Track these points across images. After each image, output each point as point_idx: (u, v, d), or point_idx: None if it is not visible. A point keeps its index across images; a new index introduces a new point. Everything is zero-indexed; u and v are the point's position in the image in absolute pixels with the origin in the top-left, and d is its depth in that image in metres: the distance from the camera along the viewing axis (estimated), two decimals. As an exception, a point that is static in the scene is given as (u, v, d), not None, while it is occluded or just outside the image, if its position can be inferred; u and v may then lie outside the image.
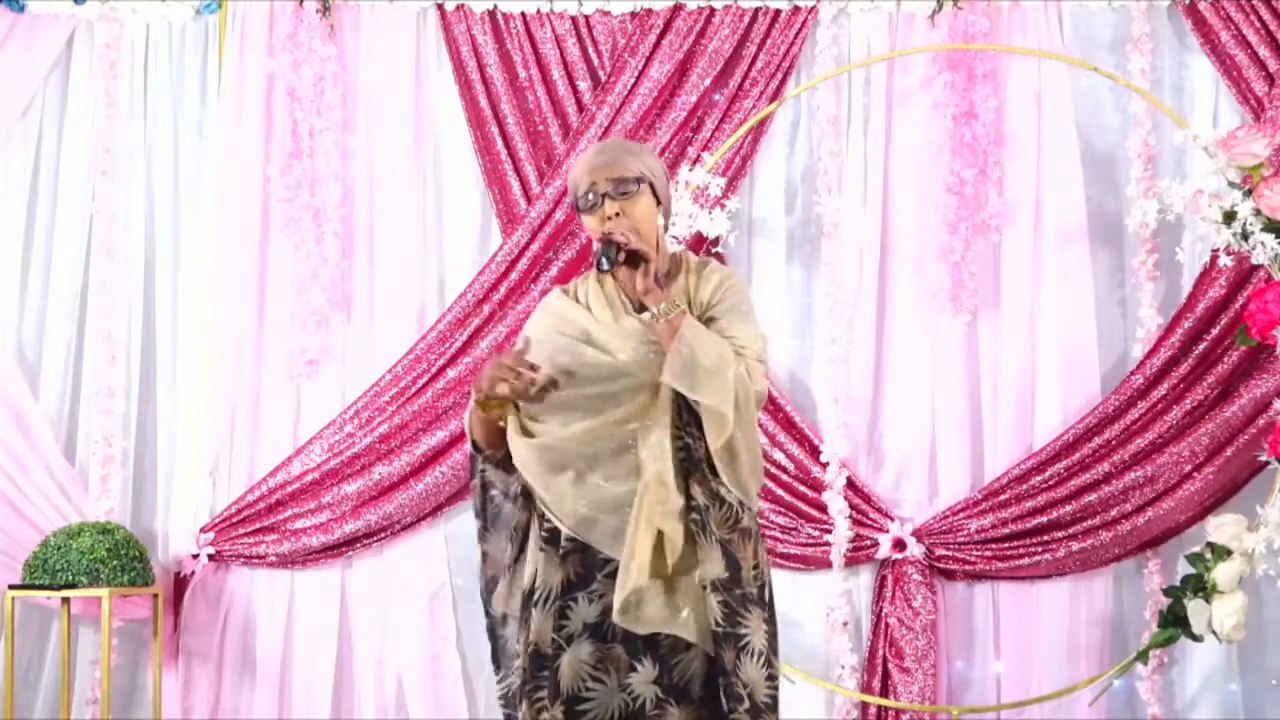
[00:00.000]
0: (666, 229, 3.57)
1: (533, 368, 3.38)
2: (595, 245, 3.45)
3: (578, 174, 3.50)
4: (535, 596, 3.42)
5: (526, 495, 3.47)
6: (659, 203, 3.51)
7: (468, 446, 3.59)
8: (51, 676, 5.68)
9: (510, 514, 3.52)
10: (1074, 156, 5.56)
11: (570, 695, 3.36)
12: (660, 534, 3.32)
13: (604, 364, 3.42)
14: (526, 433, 3.44)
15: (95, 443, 5.72)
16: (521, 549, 3.50)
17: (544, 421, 3.43)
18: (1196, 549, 5.11)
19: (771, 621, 3.42)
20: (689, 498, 3.36)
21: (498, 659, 3.59)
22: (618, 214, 3.44)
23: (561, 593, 3.40)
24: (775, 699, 3.38)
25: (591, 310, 3.50)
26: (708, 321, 3.43)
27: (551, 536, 3.42)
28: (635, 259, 3.40)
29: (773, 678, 3.38)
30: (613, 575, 3.36)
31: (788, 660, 5.38)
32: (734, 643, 3.34)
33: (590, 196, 3.46)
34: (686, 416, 3.37)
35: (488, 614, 3.60)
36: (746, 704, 3.32)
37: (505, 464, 3.48)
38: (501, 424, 3.47)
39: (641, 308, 3.44)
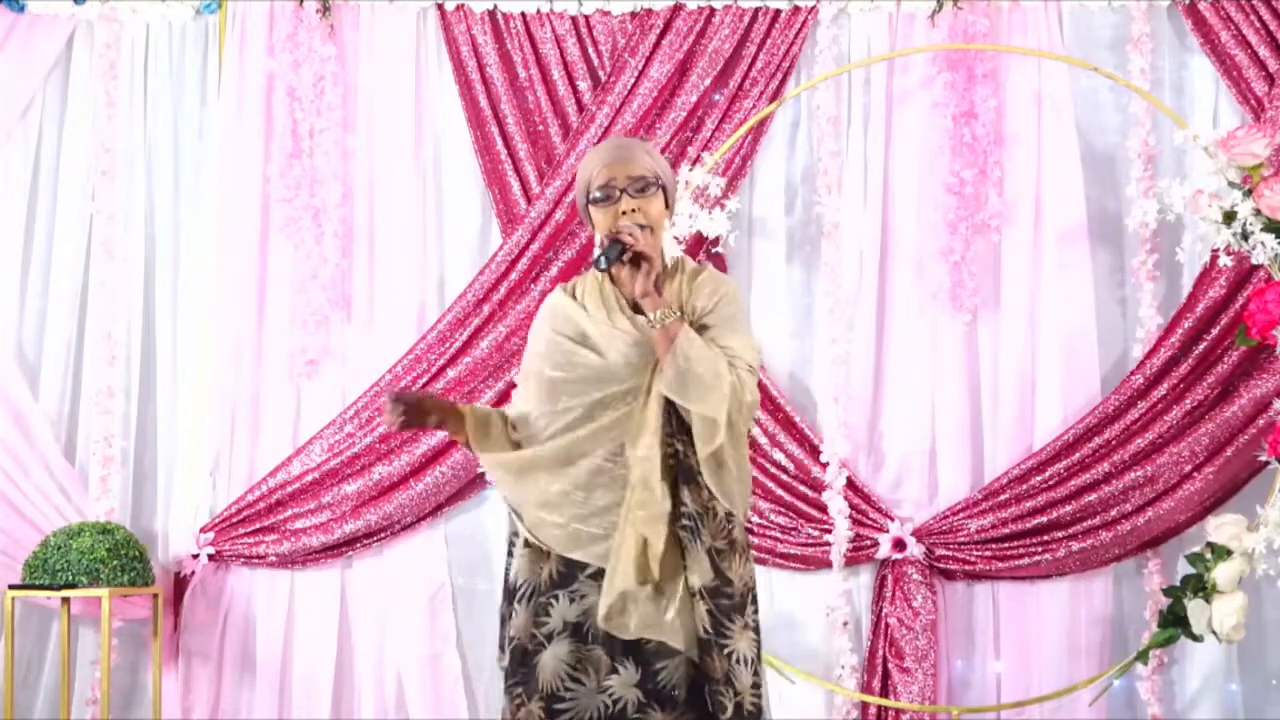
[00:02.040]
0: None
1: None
2: (600, 241, 3.44)
3: (593, 167, 3.50)
4: (519, 592, 3.44)
5: None
6: (667, 205, 3.51)
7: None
8: (51, 676, 5.68)
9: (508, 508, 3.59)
10: (1074, 156, 5.57)
11: (549, 693, 3.36)
12: (644, 539, 3.33)
13: (594, 365, 3.43)
14: (516, 445, 3.50)
15: (95, 443, 5.72)
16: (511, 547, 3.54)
17: (540, 431, 3.46)
18: (1196, 549, 5.11)
19: (756, 630, 3.44)
20: (679, 504, 3.37)
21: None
22: (632, 211, 3.44)
23: (544, 590, 3.41)
24: (760, 707, 3.41)
25: (587, 309, 3.50)
26: (700, 329, 3.42)
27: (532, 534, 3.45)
28: (637, 260, 3.40)
29: (758, 685, 3.41)
30: (595, 576, 3.38)
31: (788, 660, 5.38)
32: (721, 650, 3.35)
33: (606, 191, 3.45)
34: (675, 424, 3.38)
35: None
36: (730, 712, 3.33)
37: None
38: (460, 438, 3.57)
39: (636, 308, 3.44)
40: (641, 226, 3.44)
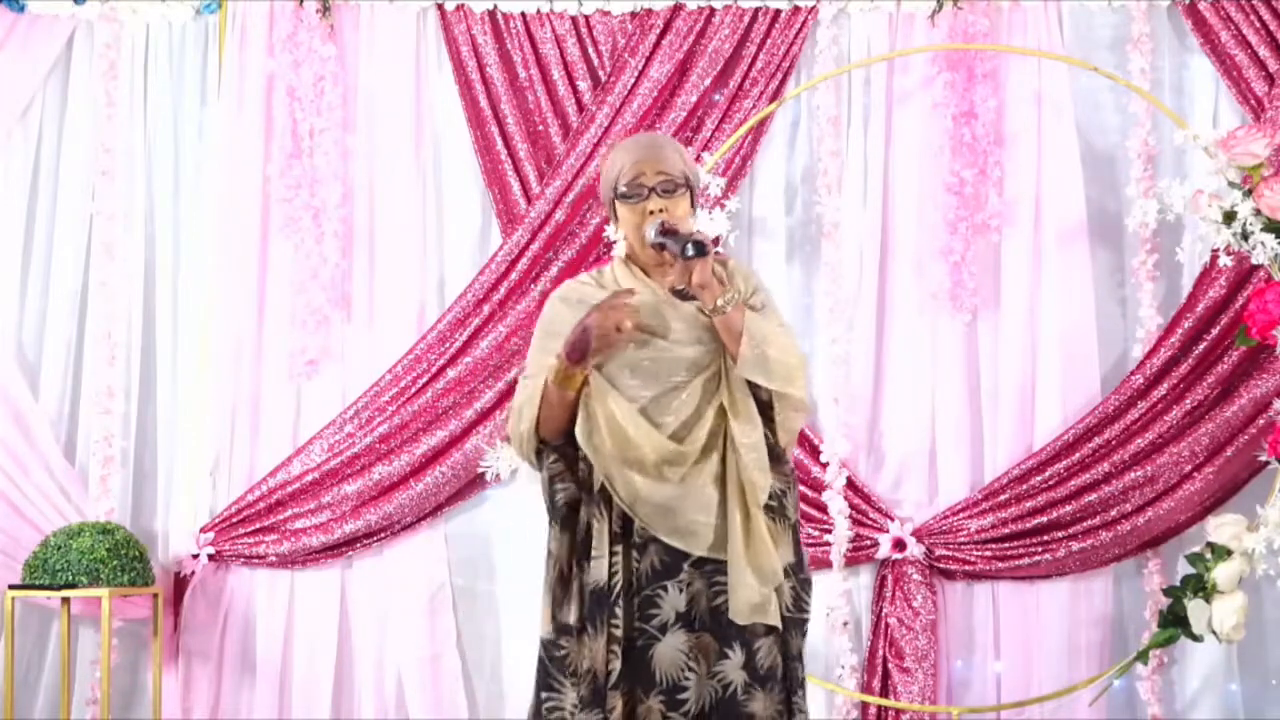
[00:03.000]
0: None
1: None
2: (655, 236, 3.41)
3: (621, 162, 3.48)
4: (615, 593, 3.38)
5: (592, 491, 3.44)
6: (692, 207, 3.53)
7: (516, 447, 3.51)
8: (51, 676, 5.68)
9: (574, 501, 3.45)
10: (1074, 156, 5.56)
11: (671, 685, 3.35)
12: (755, 521, 3.38)
13: (674, 354, 3.42)
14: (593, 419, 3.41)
15: (95, 443, 5.71)
16: (587, 548, 3.44)
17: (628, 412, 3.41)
18: (1196, 549, 5.11)
19: None
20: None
21: (549, 678, 3.44)
22: (660, 211, 3.44)
23: (646, 583, 3.39)
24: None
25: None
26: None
27: (624, 529, 3.41)
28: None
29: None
30: (698, 564, 3.38)
31: (788, 660, 5.38)
32: (800, 628, 3.43)
33: (633, 188, 3.45)
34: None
35: (552, 622, 3.46)
36: (801, 686, 3.43)
37: (570, 454, 3.47)
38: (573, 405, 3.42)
39: (684, 299, 3.45)
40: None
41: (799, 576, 3.45)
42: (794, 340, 3.50)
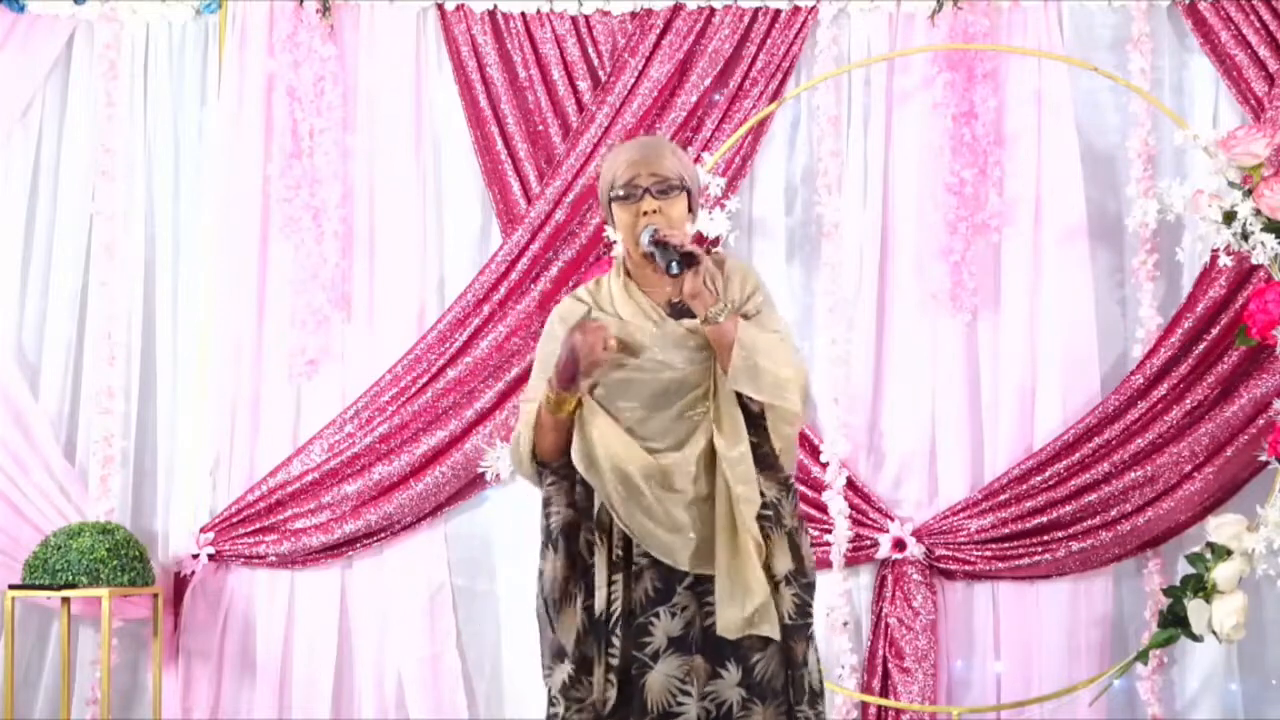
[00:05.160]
0: None
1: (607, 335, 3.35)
2: (646, 244, 3.38)
3: (617, 164, 3.46)
4: (614, 620, 3.37)
5: (591, 516, 3.43)
6: (690, 209, 3.49)
7: (517, 467, 3.51)
8: (51, 676, 5.68)
9: (570, 525, 3.44)
10: (1074, 156, 5.56)
11: (660, 712, 3.33)
12: (741, 536, 3.34)
13: (663, 376, 3.40)
14: (588, 442, 3.39)
15: (95, 443, 5.72)
16: (584, 573, 3.44)
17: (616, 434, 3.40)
18: (1196, 549, 5.11)
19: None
20: (761, 495, 3.39)
21: (549, 700, 3.48)
22: (654, 212, 3.41)
23: (641, 610, 3.37)
24: (823, 685, 3.46)
25: (622, 318, 3.45)
26: (744, 317, 3.42)
27: (624, 555, 3.39)
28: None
29: (819, 662, 3.46)
30: (691, 588, 3.36)
31: (788, 660, 5.38)
32: (803, 634, 3.38)
33: (629, 189, 3.42)
34: (747, 417, 3.39)
35: (549, 646, 3.47)
36: (808, 694, 3.38)
37: (569, 475, 3.45)
38: (569, 425, 3.41)
39: (677, 310, 3.42)
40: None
41: (801, 582, 3.41)
42: (790, 347, 3.44)
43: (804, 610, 3.39)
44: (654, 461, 3.37)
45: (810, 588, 3.43)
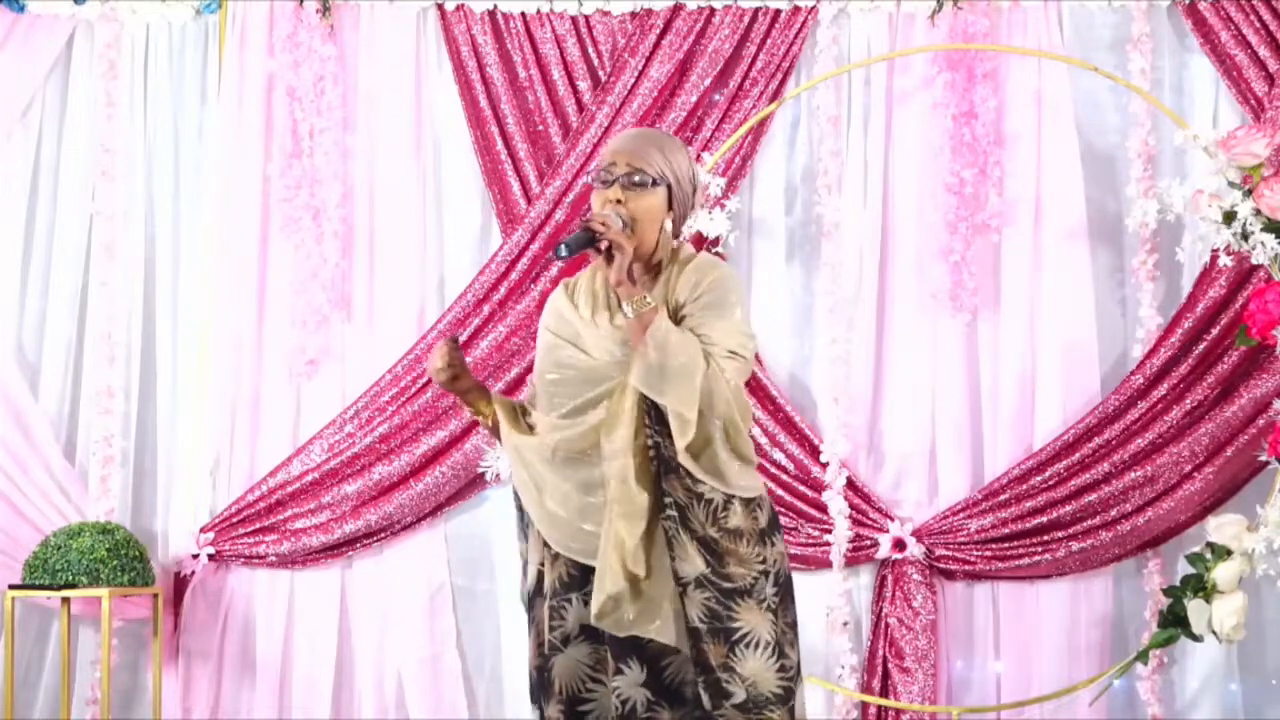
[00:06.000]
0: (678, 234, 3.53)
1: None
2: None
3: (607, 148, 3.49)
4: (536, 599, 3.45)
5: None
6: (670, 207, 3.46)
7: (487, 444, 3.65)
8: (51, 676, 5.68)
9: (517, 509, 3.56)
10: (1074, 156, 5.56)
11: (571, 696, 3.35)
12: (614, 526, 3.30)
13: (581, 365, 3.41)
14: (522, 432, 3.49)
15: (95, 443, 5.72)
16: (527, 551, 3.54)
17: (538, 425, 3.47)
18: (1196, 549, 5.11)
19: (781, 613, 3.38)
20: (662, 496, 3.33)
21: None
22: (616, 201, 3.40)
23: (557, 592, 3.41)
24: (789, 690, 3.34)
25: (578, 306, 3.48)
26: (680, 319, 3.37)
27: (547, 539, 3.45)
28: (610, 251, 3.35)
29: (786, 669, 3.34)
30: None
31: (788, 660, 5.37)
32: (725, 637, 3.30)
33: (604, 174, 3.42)
34: (654, 416, 3.33)
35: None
36: (741, 697, 3.28)
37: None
38: (490, 422, 3.54)
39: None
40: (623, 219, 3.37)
41: (720, 586, 3.30)
42: (731, 342, 3.33)
43: (720, 615, 3.29)
44: (544, 438, 3.41)
45: (738, 592, 3.31)
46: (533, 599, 3.47)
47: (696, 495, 3.33)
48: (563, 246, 3.32)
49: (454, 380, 3.51)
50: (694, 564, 3.32)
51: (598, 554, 3.33)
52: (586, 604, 3.36)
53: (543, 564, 3.46)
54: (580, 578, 3.39)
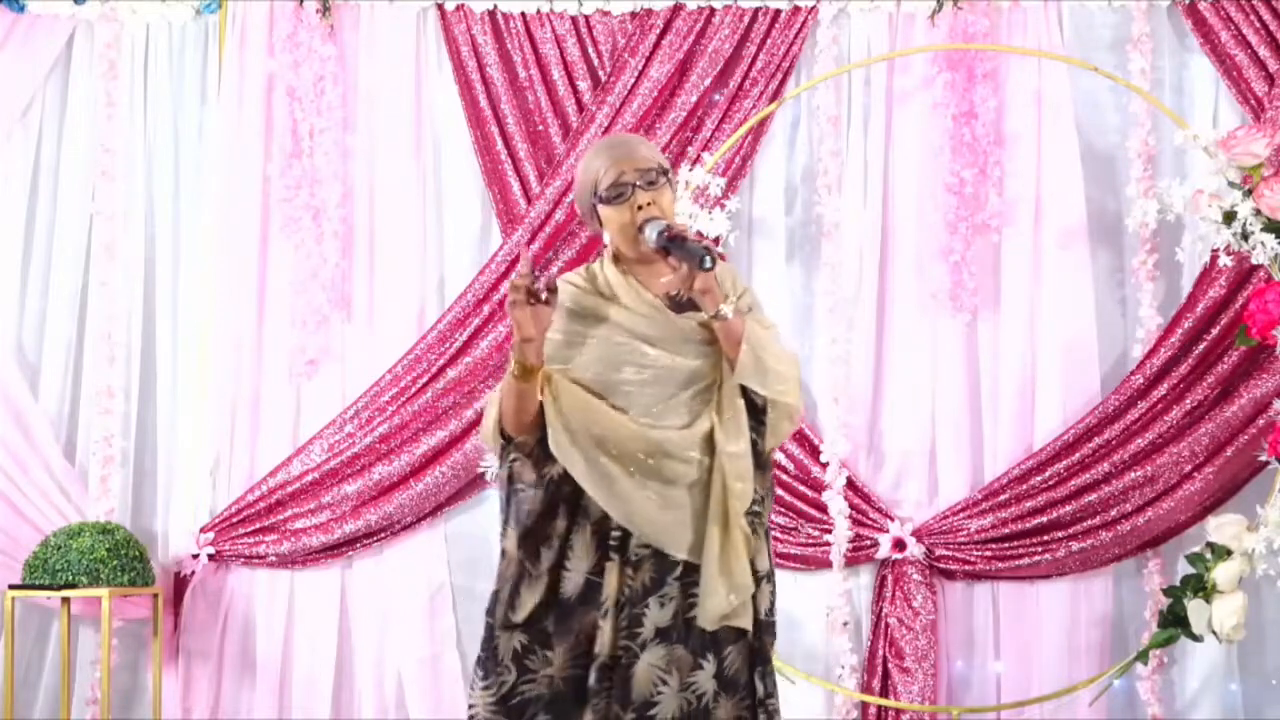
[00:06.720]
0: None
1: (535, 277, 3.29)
2: (657, 242, 3.33)
3: (599, 165, 3.41)
4: (604, 606, 3.34)
5: (567, 499, 3.38)
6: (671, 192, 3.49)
7: (484, 439, 3.47)
8: (51, 676, 5.68)
9: (538, 507, 3.38)
10: (1074, 156, 5.57)
11: (643, 701, 3.32)
12: (732, 530, 3.36)
13: (664, 364, 3.38)
14: (570, 430, 3.35)
15: (95, 443, 5.72)
16: (562, 556, 3.39)
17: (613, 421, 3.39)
18: (1196, 549, 5.11)
19: None
20: (755, 491, 3.43)
21: (490, 664, 3.50)
22: (649, 204, 3.38)
23: (637, 599, 3.35)
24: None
25: (627, 306, 3.41)
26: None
27: (621, 543, 3.36)
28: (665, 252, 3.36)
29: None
30: (681, 578, 3.34)
31: (788, 660, 5.38)
32: (771, 630, 3.43)
33: (618, 188, 3.38)
34: (750, 411, 3.42)
35: (498, 618, 3.50)
36: (762, 691, 3.40)
37: (537, 453, 3.39)
38: (537, 400, 3.35)
39: (678, 304, 3.40)
40: (656, 219, 3.37)
41: (774, 581, 3.45)
42: (782, 344, 3.49)
43: (774, 609, 3.45)
44: (647, 433, 3.34)
45: (775, 588, 3.48)
46: (572, 608, 3.37)
47: (770, 491, 3.47)
48: (706, 259, 3.27)
49: (531, 303, 3.27)
50: (766, 558, 3.42)
51: (685, 546, 3.34)
52: (663, 607, 3.34)
53: (595, 572, 3.37)
54: (660, 579, 3.35)
